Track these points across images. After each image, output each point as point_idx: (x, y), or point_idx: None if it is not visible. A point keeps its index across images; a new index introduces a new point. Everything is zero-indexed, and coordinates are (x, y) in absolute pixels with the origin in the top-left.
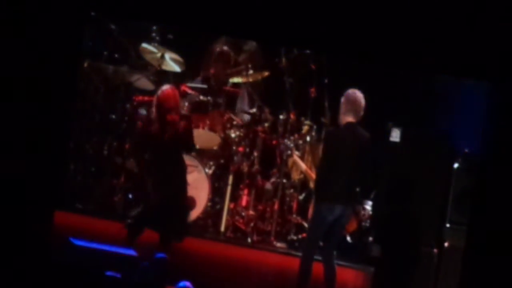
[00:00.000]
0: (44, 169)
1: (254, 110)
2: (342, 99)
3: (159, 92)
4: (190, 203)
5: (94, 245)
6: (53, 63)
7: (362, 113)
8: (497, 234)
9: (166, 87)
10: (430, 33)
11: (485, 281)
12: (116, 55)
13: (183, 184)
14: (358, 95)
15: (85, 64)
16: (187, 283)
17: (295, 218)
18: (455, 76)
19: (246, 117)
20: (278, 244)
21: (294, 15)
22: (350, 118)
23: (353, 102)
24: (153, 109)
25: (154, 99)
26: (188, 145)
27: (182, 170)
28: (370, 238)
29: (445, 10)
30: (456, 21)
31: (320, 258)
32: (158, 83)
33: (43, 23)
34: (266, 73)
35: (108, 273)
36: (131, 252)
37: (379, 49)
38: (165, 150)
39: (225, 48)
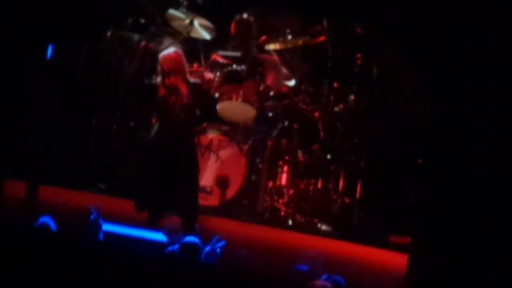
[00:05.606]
0: None
1: (292, 81)
2: None
3: (160, 56)
4: (223, 182)
5: (121, 229)
6: None
7: None
8: None
9: (168, 51)
10: None
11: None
12: (141, 22)
13: (192, 157)
14: None
15: (108, 33)
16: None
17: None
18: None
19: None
20: (323, 227)
21: None
22: None
23: None
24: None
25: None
26: (193, 117)
27: (190, 143)
28: None
29: None
30: None
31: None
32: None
33: None
34: (306, 39)
35: None
36: (160, 237)
37: None
38: (172, 121)
39: (245, 16)
